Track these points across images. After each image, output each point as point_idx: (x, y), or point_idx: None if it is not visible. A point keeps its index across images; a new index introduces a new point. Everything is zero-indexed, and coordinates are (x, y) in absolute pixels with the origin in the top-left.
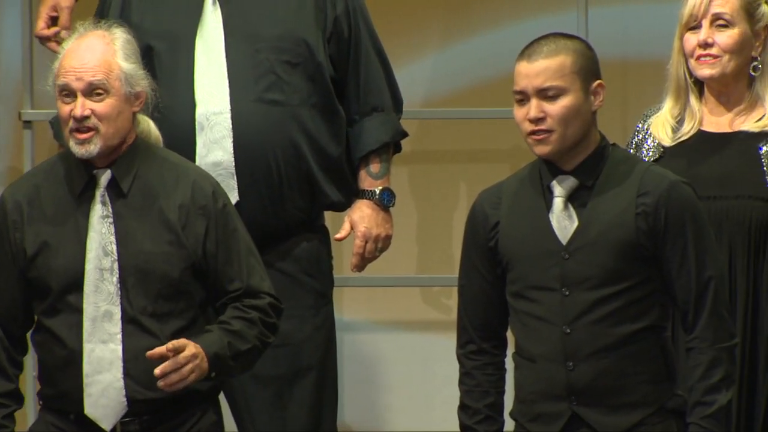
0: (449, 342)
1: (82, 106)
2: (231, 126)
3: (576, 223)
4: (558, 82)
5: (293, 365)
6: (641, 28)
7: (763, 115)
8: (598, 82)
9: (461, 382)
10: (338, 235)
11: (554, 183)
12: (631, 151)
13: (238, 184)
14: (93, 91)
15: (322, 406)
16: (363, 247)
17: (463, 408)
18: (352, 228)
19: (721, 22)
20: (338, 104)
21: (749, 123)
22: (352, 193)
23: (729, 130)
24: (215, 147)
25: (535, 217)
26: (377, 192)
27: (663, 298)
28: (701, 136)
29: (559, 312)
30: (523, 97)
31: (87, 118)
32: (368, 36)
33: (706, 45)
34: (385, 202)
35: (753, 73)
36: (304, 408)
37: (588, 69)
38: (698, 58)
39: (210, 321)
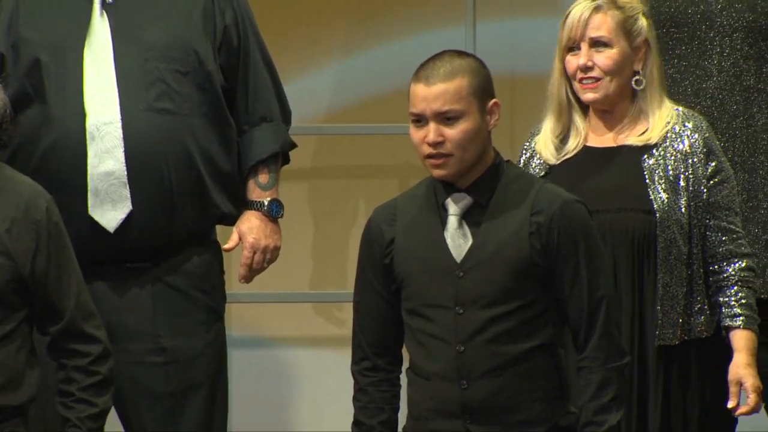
0: (340, 357)
1: None
2: (122, 135)
3: (470, 242)
4: (456, 105)
5: (185, 382)
6: (529, 43)
7: (647, 129)
8: (493, 101)
9: (355, 399)
10: (226, 246)
11: (449, 201)
12: None
13: (130, 194)
14: None
15: (212, 423)
16: (251, 258)
17: (356, 424)
18: (240, 239)
19: (599, 43)
20: (229, 114)
21: (633, 137)
22: (243, 205)
23: (614, 145)
24: (107, 157)
25: (430, 234)
26: (266, 203)
27: (556, 317)
28: (586, 152)
29: (452, 330)
30: (420, 119)
31: None
32: (257, 46)
33: (586, 68)
34: (273, 213)
35: (636, 87)
36: (196, 425)
37: (484, 89)
38: (580, 80)
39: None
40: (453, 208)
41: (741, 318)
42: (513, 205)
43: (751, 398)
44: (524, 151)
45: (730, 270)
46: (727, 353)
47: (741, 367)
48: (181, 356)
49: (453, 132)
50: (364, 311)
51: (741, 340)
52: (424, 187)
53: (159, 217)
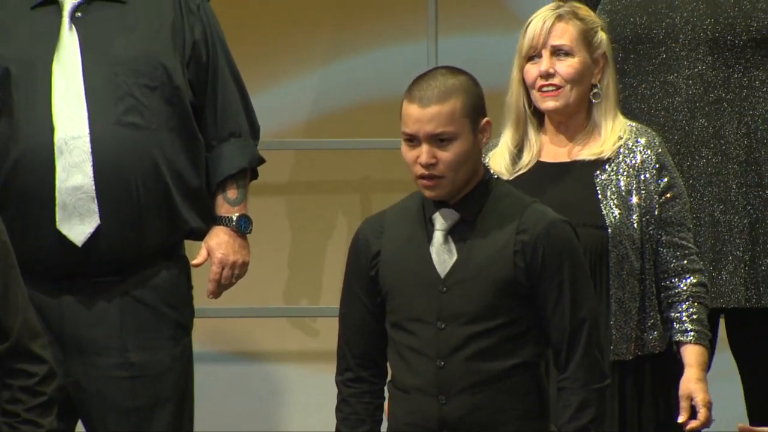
0: (305, 371)
1: None
2: (90, 150)
3: (455, 257)
4: (449, 128)
5: (152, 396)
6: (491, 59)
7: (599, 143)
8: (485, 119)
9: (338, 409)
10: (195, 261)
11: (436, 216)
12: None
13: (99, 208)
14: None
15: None
16: (219, 274)
17: None
18: (208, 254)
19: (560, 52)
20: (197, 129)
21: (586, 152)
22: (211, 220)
23: (567, 160)
24: (75, 171)
25: (416, 248)
26: (234, 218)
27: (538, 336)
28: (539, 167)
29: (433, 345)
30: (413, 139)
31: None
32: (225, 61)
33: (547, 75)
34: (242, 228)
35: (593, 100)
36: None
37: (476, 108)
38: (540, 89)
39: None
40: (439, 224)
41: (692, 333)
42: (499, 222)
43: (702, 413)
44: None
45: (682, 286)
46: (681, 369)
47: (692, 382)
48: (149, 371)
49: (446, 154)
50: (350, 323)
51: (692, 354)
52: (413, 201)
53: (127, 232)
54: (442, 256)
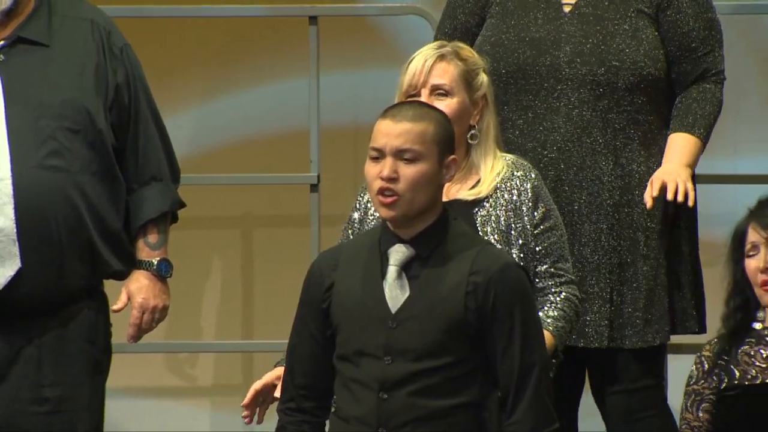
0: (189, 408)
1: None
2: (12, 192)
3: (407, 294)
4: (417, 146)
5: None
6: (372, 94)
7: (478, 182)
8: (452, 157)
9: None
10: (115, 307)
11: (391, 250)
12: (357, 226)
13: (20, 251)
14: None
15: None
16: (140, 319)
17: None
18: (128, 299)
19: (440, 91)
20: (119, 172)
21: (464, 191)
22: (132, 263)
23: (445, 199)
24: None
25: (370, 282)
26: (155, 262)
27: (484, 377)
28: None
29: (379, 378)
30: (378, 155)
31: None
32: (147, 105)
33: None
34: (162, 272)
35: (471, 141)
36: None
37: (447, 142)
38: None
39: None
40: (394, 259)
41: (552, 320)
42: (454, 262)
43: None
44: (356, 208)
45: (551, 298)
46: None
47: None
48: (65, 407)
49: (409, 171)
50: (298, 354)
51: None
52: (371, 235)
53: (49, 275)
54: (395, 291)
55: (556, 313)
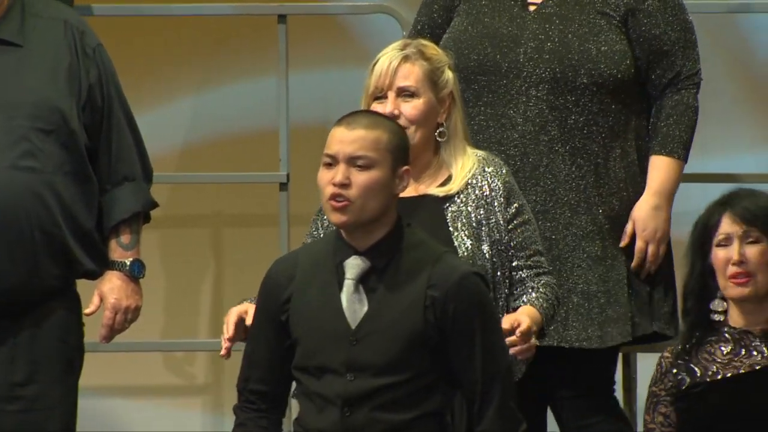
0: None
1: None
2: None
3: (366, 308)
4: (371, 153)
5: (40, 431)
6: (341, 93)
7: (448, 177)
8: (405, 168)
9: None
10: (88, 310)
11: (347, 263)
12: (320, 230)
13: None
14: None
15: None
16: (113, 319)
17: None
18: (101, 300)
19: (406, 93)
20: (92, 173)
21: (434, 187)
22: (105, 263)
23: (415, 194)
24: None
25: (327, 296)
26: (128, 263)
27: (446, 386)
28: None
29: (342, 393)
30: (332, 161)
31: None
32: (120, 106)
33: (392, 116)
34: (135, 273)
35: (439, 139)
36: None
37: (400, 151)
38: None
39: None
40: (350, 272)
41: (534, 300)
42: (411, 274)
43: (524, 323)
44: (320, 213)
45: (530, 284)
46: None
47: (520, 314)
48: (38, 406)
49: (361, 177)
50: (255, 361)
51: (526, 308)
52: (326, 244)
53: (22, 274)
54: (353, 305)
55: (539, 294)
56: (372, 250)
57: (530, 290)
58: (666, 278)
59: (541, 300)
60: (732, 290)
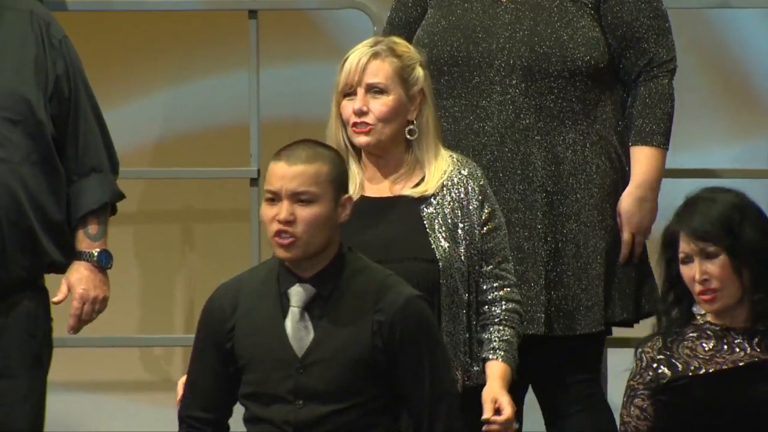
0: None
1: None
2: None
3: (311, 335)
4: (313, 188)
5: (5, 425)
6: (312, 89)
7: (422, 178)
8: (347, 196)
9: None
10: (55, 299)
11: (291, 291)
12: None
13: None
14: None
15: None
16: (80, 309)
17: None
18: (68, 290)
19: (375, 89)
20: (59, 163)
21: (409, 188)
22: (72, 254)
23: (390, 195)
24: None
25: (272, 324)
26: (95, 254)
27: (396, 408)
28: (364, 202)
29: (291, 422)
30: (274, 197)
31: None
32: (86, 97)
33: (360, 113)
34: (103, 263)
35: (409, 137)
36: None
37: (340, 181)
38: (353, 125)
39: None
40: (295, 300)
41: (501, 352)
42: (356, 300)
43: (507, 410)
44: None
45: (497, 310)
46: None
47: (495, 390)
48: (3, 400)
49: (305, 213)
50: (198, 388)
51: (497, 369)
52: (269, 271)
53: None
54: (299, 333)
55: (506, 335)
56: (316, 278)
57: (497, 326)
58: (642, 265)
59: (508, 355)
60: (703, 306)
